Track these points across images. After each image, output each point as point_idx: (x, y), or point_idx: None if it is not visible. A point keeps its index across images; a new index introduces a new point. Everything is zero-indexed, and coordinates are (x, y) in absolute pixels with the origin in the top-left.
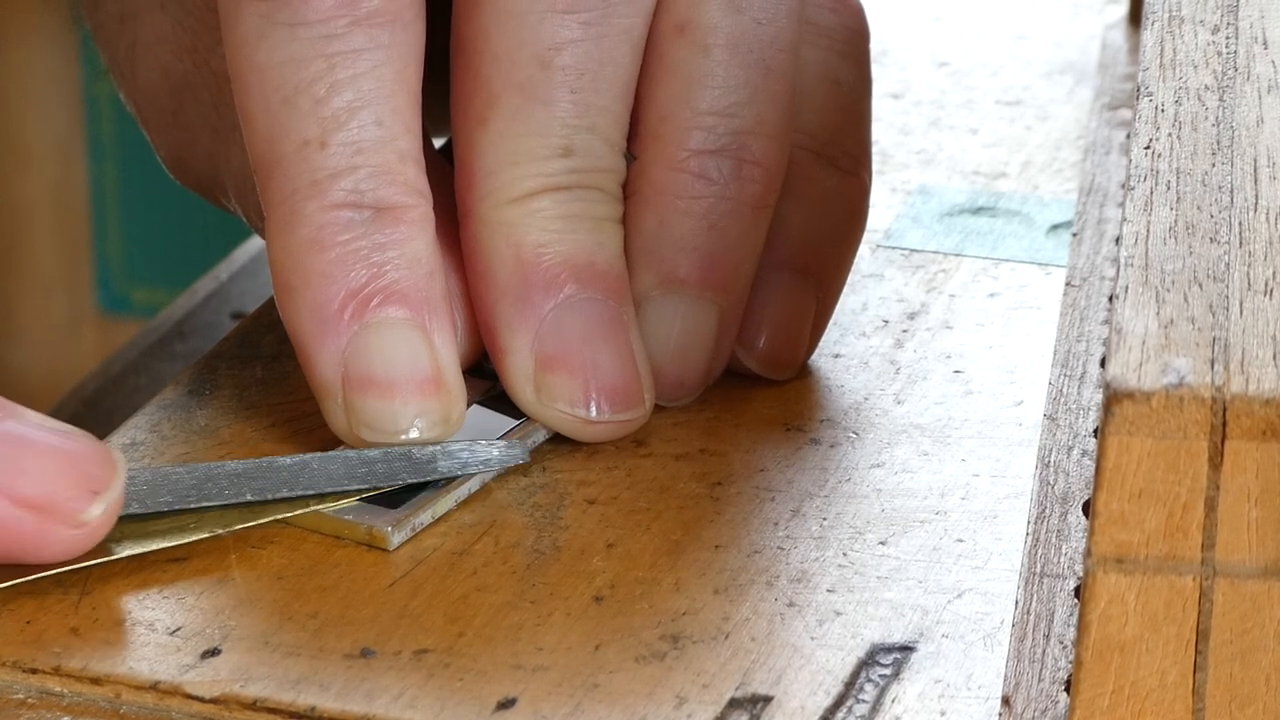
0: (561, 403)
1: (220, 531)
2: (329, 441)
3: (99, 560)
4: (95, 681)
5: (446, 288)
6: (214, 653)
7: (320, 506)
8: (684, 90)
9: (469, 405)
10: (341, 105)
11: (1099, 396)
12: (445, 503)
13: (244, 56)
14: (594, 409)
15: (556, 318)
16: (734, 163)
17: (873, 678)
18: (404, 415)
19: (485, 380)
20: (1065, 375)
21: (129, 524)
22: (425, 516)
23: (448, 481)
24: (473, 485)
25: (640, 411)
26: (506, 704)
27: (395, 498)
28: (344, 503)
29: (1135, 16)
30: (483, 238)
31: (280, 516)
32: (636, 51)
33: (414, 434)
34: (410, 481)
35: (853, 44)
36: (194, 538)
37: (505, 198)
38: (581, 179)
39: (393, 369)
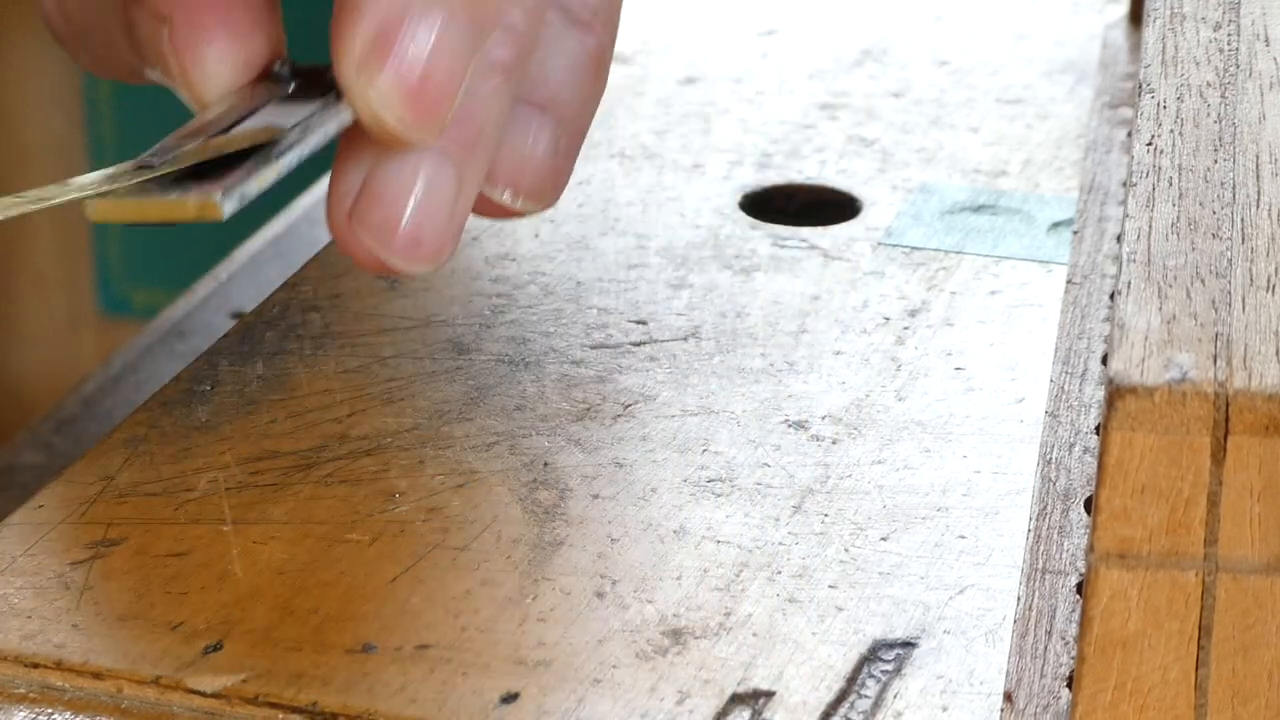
0: (375, 93)
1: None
2: (330, 438)
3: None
4: (97, 676)
5: None
6: (216, 648)
7: (113, 188)
8: None
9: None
10: None
11: (1100, 393)
12: (270, 173)
13: None
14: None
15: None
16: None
17: (875, 673)
18: None
19: (277, 84)
20: (1066, 372)
21: None
22: (253, 186)
23: (270, 150)
24: (297, 156)
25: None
26: (509, 699)
27: (211, 170)
28: (141, 181)
29: (1136, 15)
30: None
31: (80, 196)
32: None
33: None
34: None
35: None
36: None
37: None
38: None
39: None
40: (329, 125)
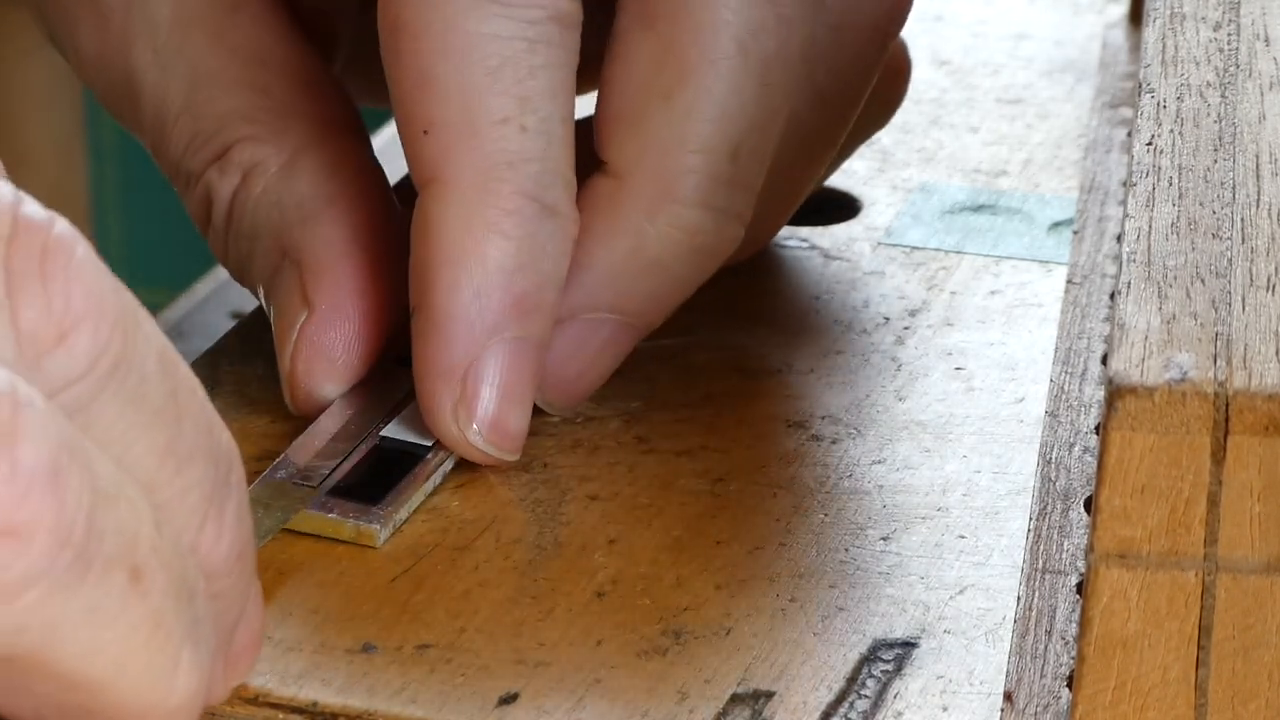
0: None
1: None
2: None
3: None
4: None
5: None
6: None
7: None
8: None
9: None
10: (539, 89)
11: (1100, 393)
12: (418, 498)
13: (448, 20)
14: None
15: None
16: None
17: (875, 673)
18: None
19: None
20: (1066, 372)
21: None
22: (403, 513)
23: (417, 471)
24: (441, 475)
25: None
26: (508, 699)
27: (368, 492)
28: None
29: (1136, 16)
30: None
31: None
32: None
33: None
34: None
35: None
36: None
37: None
38: None
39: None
40: None
